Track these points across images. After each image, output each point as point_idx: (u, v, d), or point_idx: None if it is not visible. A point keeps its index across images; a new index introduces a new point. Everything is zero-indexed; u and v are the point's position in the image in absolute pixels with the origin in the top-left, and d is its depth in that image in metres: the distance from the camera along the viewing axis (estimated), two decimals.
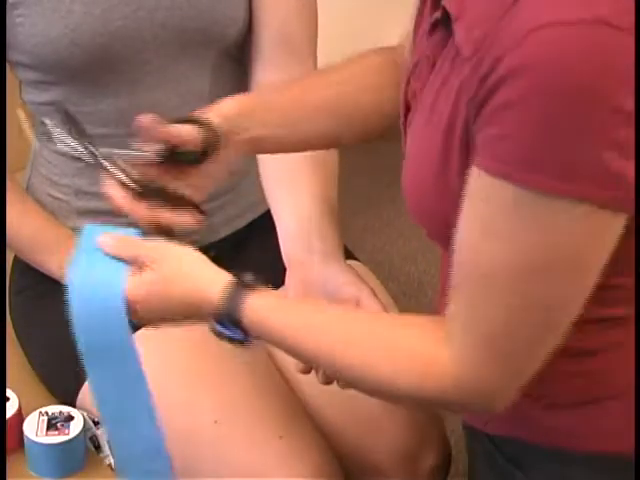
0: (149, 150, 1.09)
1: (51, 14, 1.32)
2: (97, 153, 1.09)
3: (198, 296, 1.02)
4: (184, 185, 1.11)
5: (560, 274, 0.91)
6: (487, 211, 0.90)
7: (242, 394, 1.32)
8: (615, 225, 0.91)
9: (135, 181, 1.08)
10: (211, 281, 1.03)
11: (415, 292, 2.51)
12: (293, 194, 1.37)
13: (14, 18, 1.33)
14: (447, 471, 1.44)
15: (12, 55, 1.37)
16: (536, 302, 0.92)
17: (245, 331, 1.02)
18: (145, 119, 1.06)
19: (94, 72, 1.35)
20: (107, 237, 1.07)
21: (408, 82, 1.08)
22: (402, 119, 1.11)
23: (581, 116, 0.85)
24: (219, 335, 1.03)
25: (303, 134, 1.20)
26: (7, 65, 1.40)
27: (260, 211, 1.54)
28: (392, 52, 1.23)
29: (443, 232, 0.97)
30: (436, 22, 1.00)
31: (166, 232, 1.07)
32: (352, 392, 1.26)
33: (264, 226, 1.50)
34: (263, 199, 1.44)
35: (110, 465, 1.35)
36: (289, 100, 1.20)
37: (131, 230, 1.08)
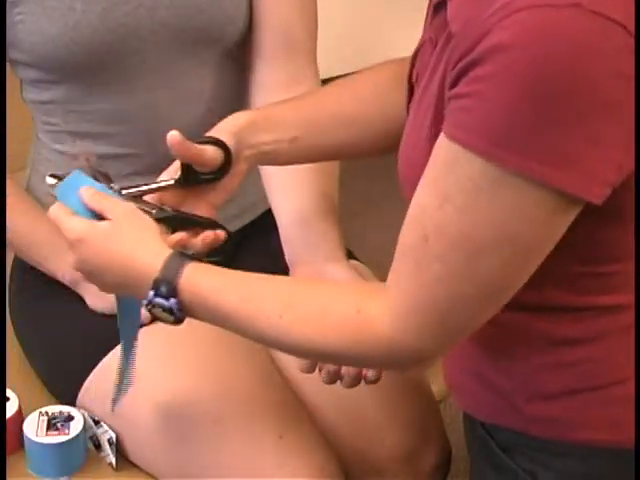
0: (169, 178, 1.13)
1: (51, 12, 1.32)
2: (123, 193, 1.12)
3: (141, 261, 1.04)
4: (200, 202, 1.14)
5: (508, 254, 0.92)
6: (448, 179, 0.91)
7: (242, 394, 1.32)
8: (569, 215, 0.91)
9: (161, 210, 1.11)
10: (157, 253, 1.04)
11: None
12: (294, 192, 1.37)
13: (14, 16, 1.33)
14: (447, 471, 1.44)
15: (12, 54, 1.37)
16: (480, 276, 0.93)
17: (180, 302, 1.02)
18: (174, 138, 1.09)
19: (94, 70, 1.35)
20: (88, 188, 1.09)
21: (413, 66, 1.10)
22: (406, 103, 1.12)
23: (559, 101, 0.85)
24: (153, 306, 1.04)
25: (318, 144, 1.22)
26: (7, 64, 1.40)
27: (260, 211, 1.54)
28: (405, 64, 1.23)
29: None
30: (438, 4, 1.01)
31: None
32: (352, 392, 1.27)
33: (264, 226, 1.50)
34: (263, 199, 1.44)
35: (110, 464, 1.35)
36: (301, 111, 1.22)
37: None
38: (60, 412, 1.35)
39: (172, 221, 1.11)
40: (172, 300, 1.02)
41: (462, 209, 0.91)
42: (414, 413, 1.39)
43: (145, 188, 1.13)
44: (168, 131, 1.10)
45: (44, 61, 1.35)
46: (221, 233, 1.12)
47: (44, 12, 1.32)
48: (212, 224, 1.12)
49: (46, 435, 1.32)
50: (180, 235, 1.10)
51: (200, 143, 1.12)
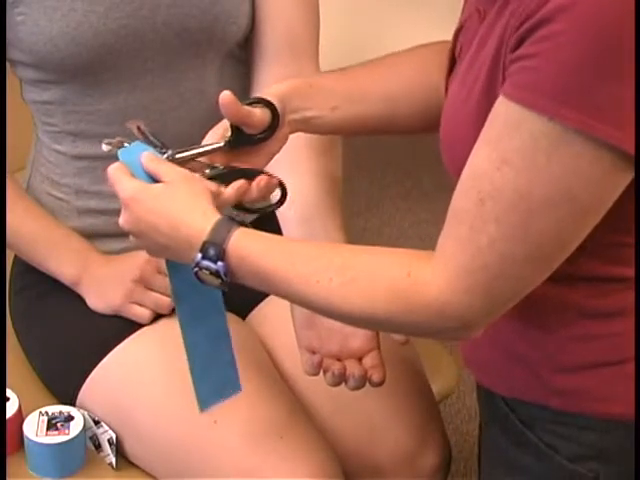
0: (219, 140, 1.14)
1: (52, 12, 1.32)
2: (174, 157, 1.14)
3: (190, 223, 1.05)
4: (244, 166, 1.15)
5: (563, 214, 0.94)
6: (507, 141, 0.93)
7: (242, 394, 1.32)
8: (623, 177, 0.93)
9: (213, 168, 1.13)
10: (207, 217, 1.05)
11: None
12: (292, 174, 1.36)
13: (15, 16, 1.33)
14: (447, 471, 1.44)
15: (13, 54, 1.37)
16: (533, 238, 0.94)
17: (228, 266, 1.03)
18: (227, 98, 1.10)
19: (95, 70, 1.35)
20: (148, 153, 1.11)
21: (456, 39, 1.11)
22: (446, 75, 1.13)
23: (623, 58, 0.88)
24: (200, 269, 1.04)
25: (358, 115, 1.22)
26: (8, 64, 1.40)
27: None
28: (445, 46, 1.24)
29: None
30: None
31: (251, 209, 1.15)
32: (352, 393, 1.27)
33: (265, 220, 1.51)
34: None
35: (110, 464, 1.35)
36: (343, 82, 1.23)
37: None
38: (60, 412, 1.35)
39: (225, 177, 1.12)
40: (220, 263, 1.03)
41: (520, 170, 0.92)
42: (414, 413, 1.39)
43: (196, 152, 1.14)
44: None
45: (45, 61, 1.35)
46: (274, 178, 1.13)
47: (45, 12, 1.32)
48: (264, 174, 1.14)
49: (46, 435, 1.32)
50: (239, 183, 1.11)
51: (249, 104, 1.14)
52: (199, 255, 1.04)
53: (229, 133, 1.14)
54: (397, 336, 1.25)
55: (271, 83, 1.41)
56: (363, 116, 1.22)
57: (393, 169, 3.01)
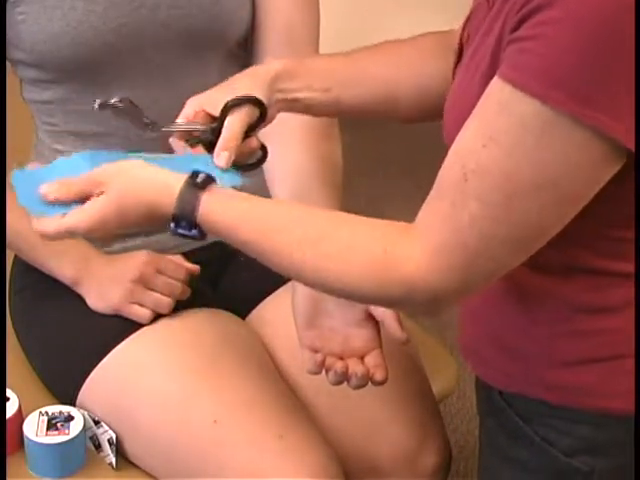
0: (205, 126, 1.14)
1: (53, 11, 1.32)
2: (163, 129, 1.15)
3: (153, 203, 1.04)
4: None
5: (546, 199, 0.93)
6: (497, 119, 0.93)
7: (242, 394, 1.32)
8: (611, 167, 0.93)
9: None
10: (165, 185, 1.05)
11: None
12: (285, 154, 1.35)
13: (16, 16, 1.33)
14: (447, 471, 1.44)
15: (14, 53, 1.37)
16: (515, 219, 0.94)
17: (202, 230, 1.03)
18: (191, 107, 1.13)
19: (96, 70, 1.35)
20: (46, 186, 1.07)
21: (464, 28, 1.11)
22: (454, 65, 1.13)
23: (623, 49, 0.88)
24: (177, 235, 1.05)
25: (354, 98, 1.21)
26: (8, 64, 1.40)
27: None
28: (447, 36, 1.24)
29: None
30: None
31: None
32: (353, 392, 1.27)
33: None
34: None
35: (110, 464, 1.35)
36: (341, 65, 1.22)
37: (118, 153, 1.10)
38: (60, 412, 1.35)
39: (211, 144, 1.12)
40: (194, 231, 1.04)
41: (507, 149, 0.92)
42: (414, 413, 1.39)
43: (180, 129, 1.14)
44: None
45: (45, 60, 1.35)
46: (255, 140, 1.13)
47: (45, 12, 1.32)
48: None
49: (46, 435, 1.32)
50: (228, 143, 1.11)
51: (234, 105, 1.13)
52: (172, 224, 1.04)
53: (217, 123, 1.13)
54: (398, 335, 1.25)
55: None
56: (360, 100, 1.22)
57: (394, 169, 3.01)
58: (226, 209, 1.04)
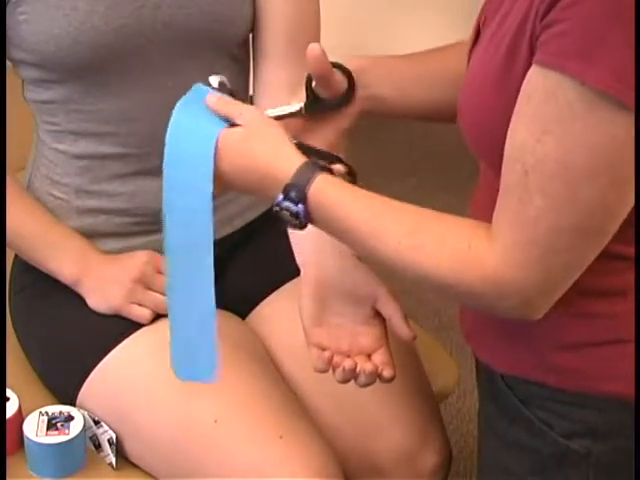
0: (295, 104, 1.18)
1: (54, 11, 1.32)
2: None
3: (276, 163, 1.07)
4: (315, 137, 1.19)
5: (605, 182, 0.94)
6: (545, 111, 0.93)
7: (242, 394, 1.32)
8: None
9: None
10: (289, 156, 1.08)
11: (415, 290, 2.51)
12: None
13: (18, 16, 1.33)
14: (447, 471, 1.44)
15: (16, 53, 1.37)
16: (579, 207, 0.95)
17: (308, 209, 1.06)
18: (315, 51, 1.13)
19: (97, 70, 1.35)
20: (212, 95, 1.12)
21: (482, 11, 1.12)
22: (470, 46, 1.14)
23: None
24: (280, 209, 1.06)
25: (428, 99, 1.23)
26: (9, 64, 1.40)
27: (260, 210, 1.54)
28: None
29: (496, 151, 1.00)
30: None
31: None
32: (353, 392, 1.27)
33: (265, 225, 1.51)
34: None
35: (110, 464, 1.35)
36: (412, 66, 1.24)
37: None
38: (60, 412, 1.35)
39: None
40: (300, 206, 1.05)
41: (559, 138, 0.93)
42: (414, 413, 1.39)
43: (272, 114, 1.16)
44: None
45: (47, 60, 1.35)
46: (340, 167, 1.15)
47: (47, 12, 1.32)
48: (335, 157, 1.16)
49: (46, 435, 1.32)
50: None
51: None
52: (281, 196, 1.06)
53: (304, 99, 1.16)
54: (405, 333, 1.25)
55: (273, 83, 1.42)
56: (434, 101, 1.24)
57: (396, 166, 3.01)
58: (338, 188, 1.07)
